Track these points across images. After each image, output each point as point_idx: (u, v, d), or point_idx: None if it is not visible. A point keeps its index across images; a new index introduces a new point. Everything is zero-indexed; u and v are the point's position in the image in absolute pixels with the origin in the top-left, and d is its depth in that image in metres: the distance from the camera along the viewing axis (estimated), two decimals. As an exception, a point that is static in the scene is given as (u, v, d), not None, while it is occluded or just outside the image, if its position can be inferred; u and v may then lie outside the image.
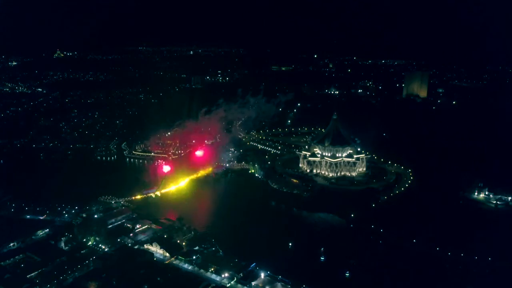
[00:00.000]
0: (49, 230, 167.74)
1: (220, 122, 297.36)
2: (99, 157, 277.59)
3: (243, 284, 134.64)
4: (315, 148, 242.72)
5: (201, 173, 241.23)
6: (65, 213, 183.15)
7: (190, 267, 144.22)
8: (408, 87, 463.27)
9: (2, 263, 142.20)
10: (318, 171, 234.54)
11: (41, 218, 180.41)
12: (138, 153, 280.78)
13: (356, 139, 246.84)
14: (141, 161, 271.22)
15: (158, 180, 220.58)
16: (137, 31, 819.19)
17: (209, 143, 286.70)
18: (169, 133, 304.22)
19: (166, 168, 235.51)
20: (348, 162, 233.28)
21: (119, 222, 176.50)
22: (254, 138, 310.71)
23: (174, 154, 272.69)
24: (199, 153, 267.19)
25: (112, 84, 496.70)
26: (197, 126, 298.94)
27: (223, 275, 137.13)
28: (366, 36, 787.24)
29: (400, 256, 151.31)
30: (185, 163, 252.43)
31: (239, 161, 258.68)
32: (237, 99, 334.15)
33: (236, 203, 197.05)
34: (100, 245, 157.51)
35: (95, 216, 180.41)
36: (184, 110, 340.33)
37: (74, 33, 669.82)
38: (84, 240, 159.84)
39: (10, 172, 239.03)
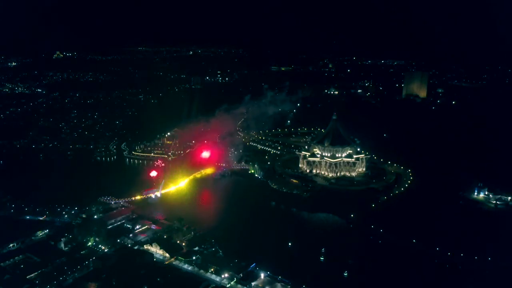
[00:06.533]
0: (48, 230, 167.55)
1: (222, 122, 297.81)
2: (98, 158, 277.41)
3: (243, 285, 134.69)
4: (315, 148, 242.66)
5: (202, 173, 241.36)
6: (65, 214, 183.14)
7: (190, 268, 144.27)
8: (407, 87, 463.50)
9: (2, 264, 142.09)
10: (318, 171, 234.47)
11: (40, 218, 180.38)
12: (137, 153, 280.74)
13: (355, 139, 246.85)
14: (140, 161, 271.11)
15: (158, 181, 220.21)
16: (137, 31, 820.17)
17: (209, 143, 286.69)
18: (169, 134, 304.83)
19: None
20: (348, 162, 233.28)
21: (119, 223, 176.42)
22: (254, 138, 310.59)
23: (173, 154, 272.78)
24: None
25: (111, 85, 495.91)
26: (198, 127, 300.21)
27: (223, 276, 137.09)
28: (365, 36, 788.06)
29: (400, 256, 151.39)
30: (185, 163, 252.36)
31: (239, 161, 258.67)
32: (240, 99, 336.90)
33: (236, 204, 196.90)
34: (100, 246, 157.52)
35: (95, 216, 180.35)
36: (184, 111, 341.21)
37: (74, 33, 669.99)
38: (84, 240, 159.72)
39: (9, 173, 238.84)
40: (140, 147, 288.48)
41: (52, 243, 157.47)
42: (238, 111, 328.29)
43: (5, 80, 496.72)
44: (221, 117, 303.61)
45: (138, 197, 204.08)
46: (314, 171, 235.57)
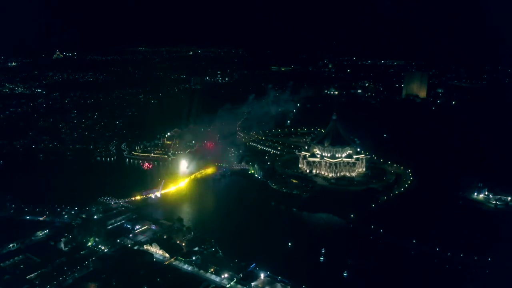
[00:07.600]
0: (48, 231, 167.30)
1: (222, 122, 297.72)
2: (98, 158, 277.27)
3: (243, 285, 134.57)
4: (315, 148, 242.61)
5: (202, 173, 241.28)
6: (65, 214, 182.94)
7: (190, 268, 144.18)
8: (407, 87, 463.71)
9: (1, 264, 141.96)
10: (317, 172, 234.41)
11: (40, 219, 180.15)
12: (137, 153, 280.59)
13: (355, 139, 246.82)
14: (140, 161, 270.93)
15: (159, 181, 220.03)
16: (136, 31, 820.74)
17: (209, 143, 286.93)
18: (169, 134, 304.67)
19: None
20: (348, 162, 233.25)
21: (119, 223, 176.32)
22: (253, 138, 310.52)
23: (173, 154, 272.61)
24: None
25: (111, 85, 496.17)
26: (198, 127, 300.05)
27: (223, 276, 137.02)
28: (365, 37, 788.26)
29: (400, 256, 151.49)
30: (185, 163, 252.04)
31: (239, 161, 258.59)
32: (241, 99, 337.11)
33: (236, 204, 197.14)
34: (99, 246, 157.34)
35: (95, 217, 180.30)
36: (184, 111, 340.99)
37: (74, 33, 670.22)
38: (84, 241, 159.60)
39: (9, 173, 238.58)
40: (140, 147, 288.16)
41: (52, 243, 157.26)
42: (238, 111, 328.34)
43: (5, 80, 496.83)
44: (221, 117, 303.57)
45: (138, 197, 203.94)
46: (314, 171, 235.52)
